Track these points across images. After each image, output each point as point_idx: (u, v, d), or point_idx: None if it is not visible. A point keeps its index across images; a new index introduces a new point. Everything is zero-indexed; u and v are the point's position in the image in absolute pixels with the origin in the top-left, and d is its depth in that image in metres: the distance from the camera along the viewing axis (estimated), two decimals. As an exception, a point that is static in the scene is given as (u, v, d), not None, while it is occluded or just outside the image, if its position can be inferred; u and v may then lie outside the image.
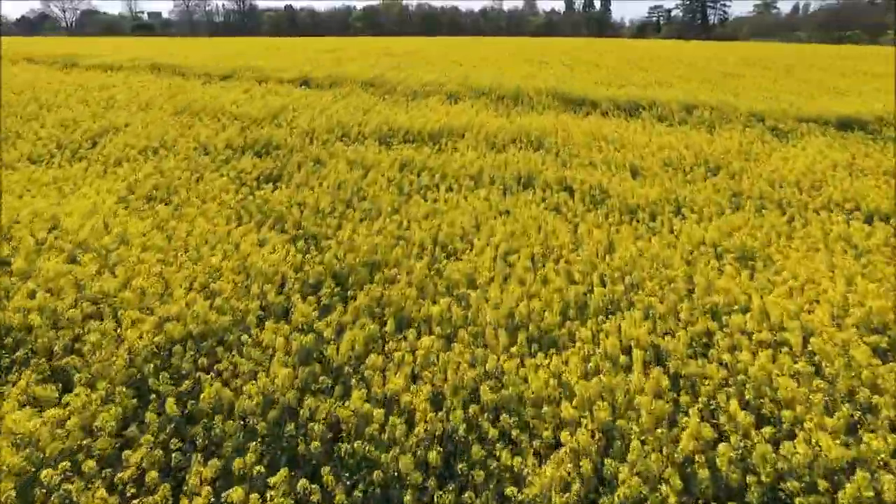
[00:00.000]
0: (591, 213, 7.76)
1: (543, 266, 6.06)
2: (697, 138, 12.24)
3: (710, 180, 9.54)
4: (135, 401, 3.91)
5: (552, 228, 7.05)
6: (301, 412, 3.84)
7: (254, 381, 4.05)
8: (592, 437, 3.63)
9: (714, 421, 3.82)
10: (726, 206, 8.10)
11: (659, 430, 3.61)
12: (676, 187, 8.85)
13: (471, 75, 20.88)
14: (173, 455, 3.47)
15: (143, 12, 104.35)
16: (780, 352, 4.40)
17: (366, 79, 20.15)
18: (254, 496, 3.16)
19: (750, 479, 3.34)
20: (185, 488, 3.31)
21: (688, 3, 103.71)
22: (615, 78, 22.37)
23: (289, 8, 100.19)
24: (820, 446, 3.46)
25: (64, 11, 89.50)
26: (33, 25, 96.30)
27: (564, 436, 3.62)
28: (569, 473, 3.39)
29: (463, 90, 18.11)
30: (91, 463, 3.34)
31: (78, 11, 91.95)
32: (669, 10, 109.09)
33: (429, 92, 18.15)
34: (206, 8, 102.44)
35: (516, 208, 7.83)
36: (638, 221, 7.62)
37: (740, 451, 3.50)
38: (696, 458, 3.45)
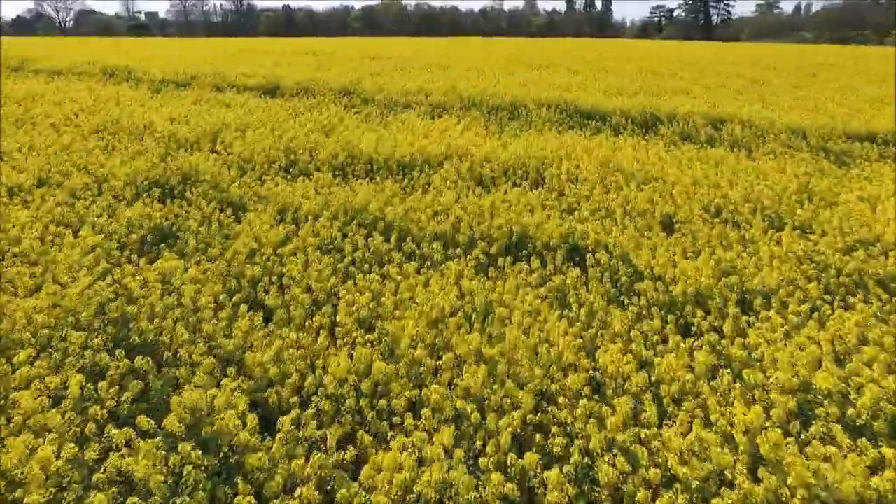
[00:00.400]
0: (615, 313, 4.94)
1: (541, 458, 3.26)
2: (740, 168, 9.40)
3: (773, 235, 6.72)
4: None
5: (557, 355, 4.25)
6: None
7: None
8: None
9: None
10: (815, 295, 5.29)
11: None
12: (734, 257, 6.03)
13: (462, 82, 18.05)
14: None
15: (140, 12, 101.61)
16: None
17: (342, 86, 17.34)
18: None
19: None
20: None
21: (691, 2, 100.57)
22: (625, 84, 19.52)
23: (286, 8, 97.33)
24: None
25: (57, 11, 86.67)
26: (30, 26, 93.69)
27: None
28: None
29: (450, 100, 15.30)
30: None
31: (72, 11, 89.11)
32: (672, 10, 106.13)
33: (410, 102, 15.34)
34: (204, 8, 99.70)
35: (500, 305, 5.02)
36: (691, 332, 4.82)
37: None
38: None
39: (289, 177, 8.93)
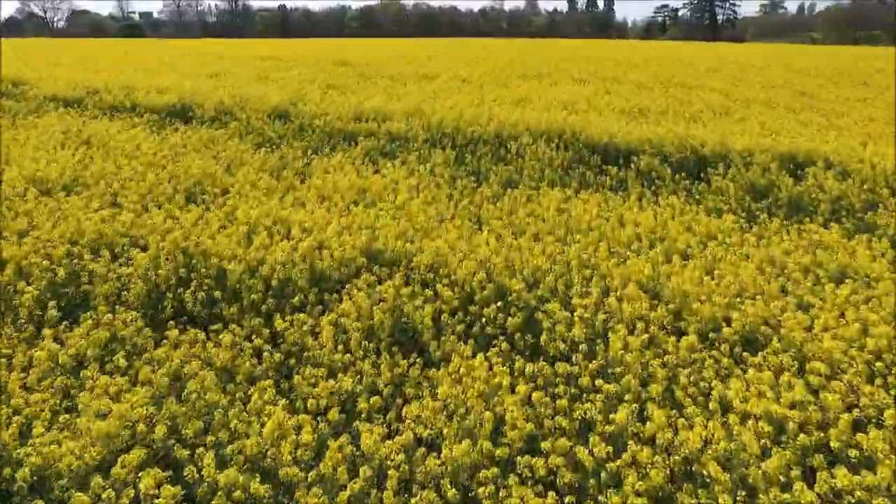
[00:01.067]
0: None
1: None
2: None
3: None
4: None
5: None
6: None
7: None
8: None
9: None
10: None
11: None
12: None
13: (435, 100, 13.45)
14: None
15: (134, 12, 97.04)
16: None
17: (276, 104, 12.74)
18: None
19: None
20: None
21: (695, 2, 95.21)
22: (646, 100, 14.87)
23: (282, 8, 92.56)
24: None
25: (45, 11, 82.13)
26: (20, 26, 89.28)
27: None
28: None
29: (414, 129, 10.71)
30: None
31: (59, 11, 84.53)
32: (676, 10, 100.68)
33: (358, 132, 10.76)
34: (199, 8, 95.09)
35: None
36: None
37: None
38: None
39: (23, 326, 4.37)
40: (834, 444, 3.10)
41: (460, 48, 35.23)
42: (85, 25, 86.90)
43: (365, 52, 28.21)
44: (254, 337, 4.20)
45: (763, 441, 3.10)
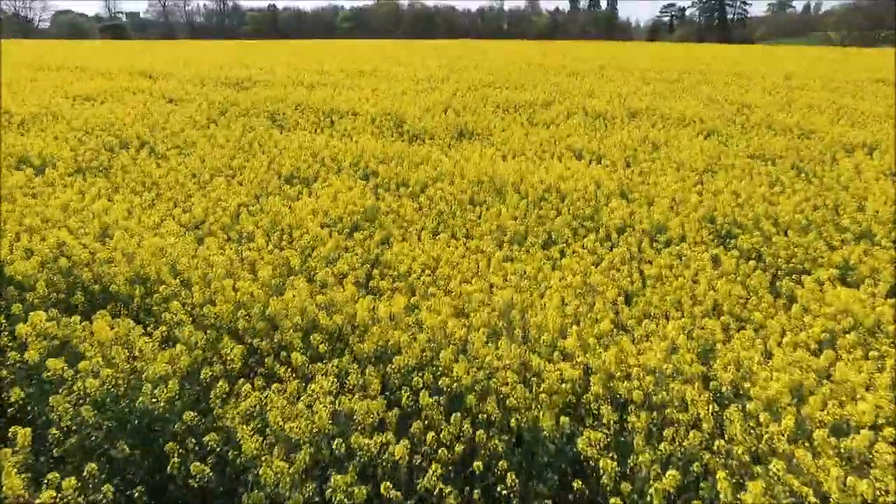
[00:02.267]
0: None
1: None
2: None
3: None
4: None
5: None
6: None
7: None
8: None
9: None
10: None
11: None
12: None
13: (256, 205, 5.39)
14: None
15: (121, 13, 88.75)
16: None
17: None
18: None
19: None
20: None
21: (704, 1, 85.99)
22: (747, 184, 6.69)
23: (272, 7, 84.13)
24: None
25: (17, 11, 74.21)
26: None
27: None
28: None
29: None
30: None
31: (32, 10, 76.50)
32: (683, 9, 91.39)
33: None
34: (187, 7, 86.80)
35: None
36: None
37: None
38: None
39: None
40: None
41: (433, 55, 26.93)
42: (64, 25, 78.94)
43: (292, 62, 20.00)
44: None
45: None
